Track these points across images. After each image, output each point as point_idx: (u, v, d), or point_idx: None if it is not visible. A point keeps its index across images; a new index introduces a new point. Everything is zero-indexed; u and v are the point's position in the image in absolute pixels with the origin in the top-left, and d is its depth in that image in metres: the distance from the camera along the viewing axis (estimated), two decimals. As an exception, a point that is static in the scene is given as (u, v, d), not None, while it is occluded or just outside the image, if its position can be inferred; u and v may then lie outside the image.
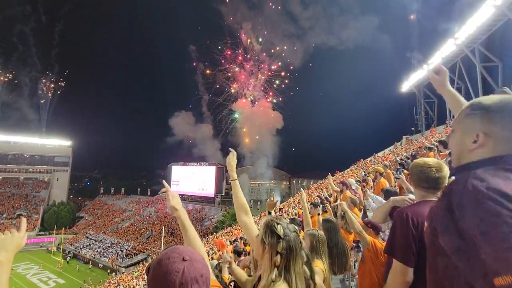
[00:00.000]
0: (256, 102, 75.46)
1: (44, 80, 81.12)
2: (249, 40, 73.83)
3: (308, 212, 3.75)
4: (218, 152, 67.86)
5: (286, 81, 74.96)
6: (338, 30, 66.00)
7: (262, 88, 75.09)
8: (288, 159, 75.84)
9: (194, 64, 77.65)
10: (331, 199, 7.27)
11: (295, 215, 13.76)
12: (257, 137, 71.32)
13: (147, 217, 48.27)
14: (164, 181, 1.75)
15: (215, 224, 38.43)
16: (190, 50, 77.83)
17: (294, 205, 21.84)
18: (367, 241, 2.76)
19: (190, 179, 53.27)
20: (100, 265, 34.13)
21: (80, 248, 39.06)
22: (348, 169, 27.66)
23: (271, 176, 69.27)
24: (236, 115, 75.07)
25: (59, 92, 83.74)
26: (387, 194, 3.76)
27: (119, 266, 32.53)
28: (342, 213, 3.58)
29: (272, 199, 2.62)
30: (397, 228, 1.55)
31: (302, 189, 6.48)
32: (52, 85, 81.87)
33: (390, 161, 12.72)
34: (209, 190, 49.91)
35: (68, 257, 37.06)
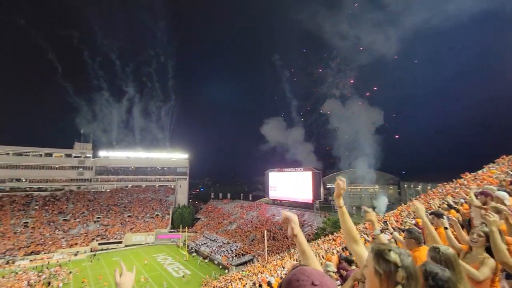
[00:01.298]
0: (347, 100, 70.61)
1: (165, 107, 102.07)
2: (334, 39, 70.47)
3: (430, 224, 2.93)
4: (311, 155, 66.54)
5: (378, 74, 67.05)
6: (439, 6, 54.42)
7: (353, 84, 69.72)
8: (395, 160, 66.74)
9: (280, 71, 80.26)
10: (461, 207, 5.62)
11: (414, 225, 11.61)
12: (353, 136, 65.91)
13: (250, 221, 51.86)
14: (284, 212, 1.64)
15: (316, 231, 37.38)
16: (275, 59, 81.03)
17: (407, 212, 18.61)
18: None
19: (287, 185, 54.24)
20: (215, 261, 38.77)
21: (200, 245, 45.56)
22: (484, 169, 21.21)
23: (374, 180, 62.31)
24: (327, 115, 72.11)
25: (176, 116, 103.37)
26: None
27: (230, 264, 36.00)
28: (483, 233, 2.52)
29: (368, 212, 2.28)
30: None
31: (414, 199, 5.21)
32: (171, 111, 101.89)
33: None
34: (306, 195, 49.39)
35: (193, 253, 43.85)
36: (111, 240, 49.65)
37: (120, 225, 54.40)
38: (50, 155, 61.92)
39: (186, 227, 52.81)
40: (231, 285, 21.63)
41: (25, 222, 49.24)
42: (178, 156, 75.84)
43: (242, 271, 30.45)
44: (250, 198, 66.03)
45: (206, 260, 40.41)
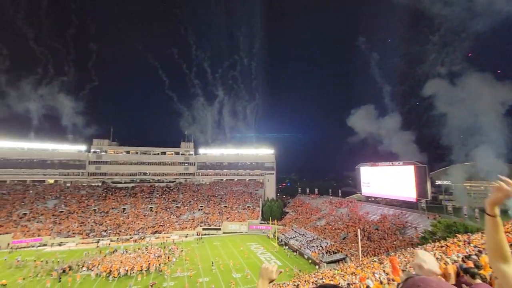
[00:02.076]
0: (459, 78, 56.79)
1: (250, 106, 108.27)
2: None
3: None
4: (411, 146, 57.02)
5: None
6: None
7: (469, 58, 55.58)
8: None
9: (367, 55, 72.03)
10: None
11: None
12: (470, 121, 52.71)
13: (341, 218, 49.08)
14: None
15: (422, 234, 31.97)
16: (359, 42, 73.28)
17: None
18: None
19: (383, 181, 48.61)
20: (305, 256, 38.53)
21: (289, 238, 46.26)
22: None
23: (504, 175, 47.92)
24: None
25: (262, 113, 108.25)
26: None
27: (321, 260, 35.03)
28: None
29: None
30: None
31: None
32: (255, 109, 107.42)
33: None
34: (408, 193, 42.94)
35: (283, 245, 44.99)
36: (212, 227, 56.44)
37: (218, 214, 61.14)
38: (164, 153, 75.24)
39: (275, 220, 54.56)
40: (323, 282, 20.88)
41: (150, 207, 61.63)
42: (265, 152, 79.12)
43: (334, 269, 29.11)
44: (340, 194, 62.51)
45: (296, 254, 40.67)
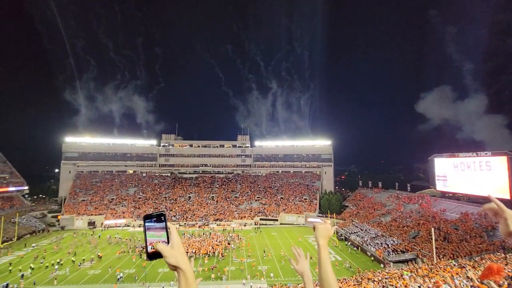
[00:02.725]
0: None
1: (304, 97, 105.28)
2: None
3: None
4: (503, 133, 47.53)
5: None
6: None
7: None
8: None
9: (441, 30, 61.63)
10: None
11: None
12: None
13: (409, 215, 44.29)
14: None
15: (520, 239, 26.49)
16: (430, 16, 62.95)
17: None
18: None
19: (464, 175, 41.91)
20: (368, 253, 36.08)
21: (350, 233, 43.96)
22: None
23: None
24: None
25: (317, 103, 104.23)
26: None
27: (387, 259, 32.34)
28: None
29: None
30: None
31: None
32: (310, 99, 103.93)
33: None
34: (499, 190, 35.95)
35: (343, 240, 43.09)
36: (269, 217, 57.49)
37: (275, 205, 61.90)
38: (223, 146, 79.25)
39: (334, 214, 52.45)
40: (391, 282, 19.24)
41: (212, 196, 66.07)
42: (322, 143, 76.24)
43: (402, 269, 26.53)
44: (409, 188, 56.31)
45: (357, 250, 38.44)
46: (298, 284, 25.31)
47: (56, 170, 77.84)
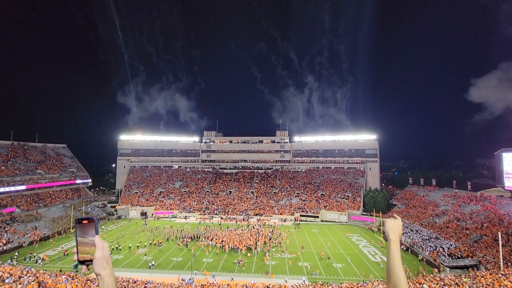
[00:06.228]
0: None
1: (343, 90, 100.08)
2: None
3: None
4: None
5: None
6: None
7: None
8: None
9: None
10: None
11: None
12: None
13: (470, 216, 39.46)
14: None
15: None
16: None
17: None
18: None
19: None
20: (419, 255, 33.17)
21: (397, 233, 40.85)
22: None
23: None
24: None
25: (360, 96, 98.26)
26: None
27: (442, 264, 29.38)
28: None
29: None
30: None
31: None
32: (352, 93, 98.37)
33: None
34: None
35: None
36: (309, 214, 56.38)
37: (315, 201, 60.45)
38: (261, 142, 79.70)
39: (380, 212, 49.30)
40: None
41: (251, 191, 67.14)
42: (366, 137, 71.84)
43: (460, 276, 23.82)
44: (469, 187, 50.14)
45: (407, 251, 35.57)
46: (340, 283, 24.43)
47: (113, 165, 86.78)
